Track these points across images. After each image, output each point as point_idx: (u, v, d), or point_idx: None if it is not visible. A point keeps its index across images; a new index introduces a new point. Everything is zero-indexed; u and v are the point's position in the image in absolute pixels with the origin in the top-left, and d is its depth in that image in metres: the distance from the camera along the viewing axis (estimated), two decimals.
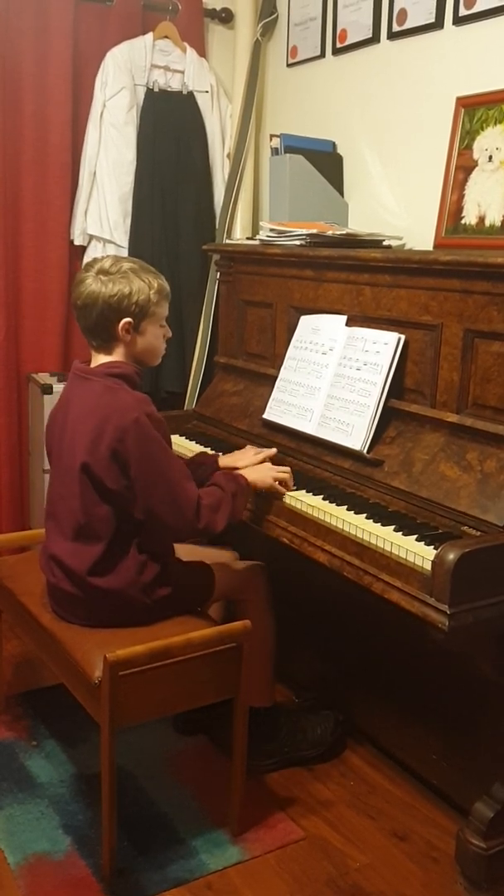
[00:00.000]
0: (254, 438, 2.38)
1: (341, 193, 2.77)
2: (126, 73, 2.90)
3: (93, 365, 1.89)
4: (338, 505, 1.90)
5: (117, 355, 1.88)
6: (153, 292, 1.85)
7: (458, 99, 2.24)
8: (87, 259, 2.98)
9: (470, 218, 2.18)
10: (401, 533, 1.73)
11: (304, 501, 1.94)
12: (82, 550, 1.84)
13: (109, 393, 1.80)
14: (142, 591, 1.85)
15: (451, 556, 1.51)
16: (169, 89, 3.00)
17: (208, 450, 2.35)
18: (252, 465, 2.08)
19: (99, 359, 1.89)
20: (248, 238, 2.97)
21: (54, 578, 1.91)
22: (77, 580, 1.85)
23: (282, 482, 2.01)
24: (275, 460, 2.13)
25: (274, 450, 2.17)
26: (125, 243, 2.97)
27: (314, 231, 2.35)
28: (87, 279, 1.84)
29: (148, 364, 1.95)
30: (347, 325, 2.19)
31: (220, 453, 2.22)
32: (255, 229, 3.06)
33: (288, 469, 2.06)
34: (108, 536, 1.82)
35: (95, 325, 1.85)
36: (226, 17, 3.15)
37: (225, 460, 2.14)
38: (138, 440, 1.76)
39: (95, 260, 1.90)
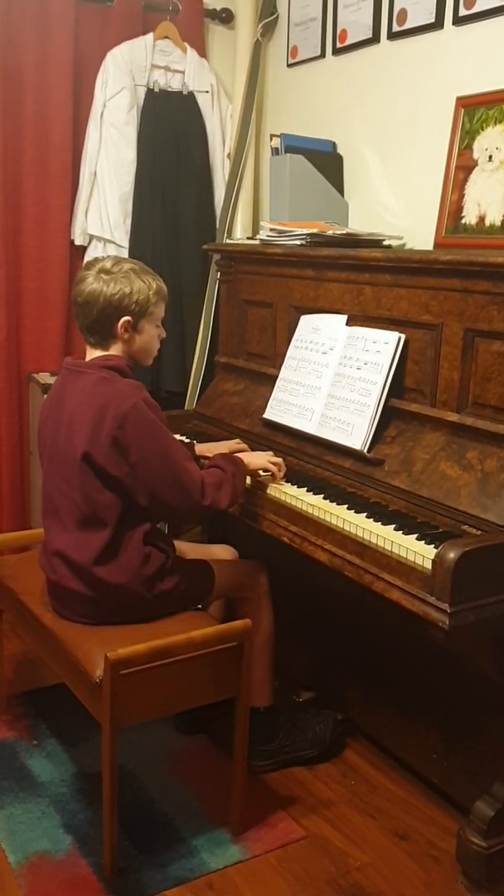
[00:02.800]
0: (254, 438, 2.38)
1: (341, 193, 2.77)
2: (126, 74, 2.90)
3: (87, 359, 1.92)
4: (338, 504, 1.90)
5: (114, 351, 1.91)
6: (152, 293, 1.90)
7: (458, 99, 2.24)
8: (87, 259, 2.99)
9: (470, 217, 2.18)
10: (401, 532, 1.73)
11: (305, 500, 1.94)
12: (87, 540, 1.85)
13: (104, 383, 1.83)
14: (144, 584, 1.86)
15: (452, 555, 1.51)
16: (169, 89, 3.00)
17: (193, 441, 2.37)
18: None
19: (94, 353, 1.92)
20: (248, 238, 2.97)
21: (55, 576, 1.91)
22: (80, 573, 1.86)
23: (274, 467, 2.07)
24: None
25: (244, 445, 2.24)
26: (126, 243, 2.97)
27: (314, 231, 2.35)
28: (88, 278, 1.87)
29: (141, 363, 1.99)
30: (348, 324, 2.19)
31: (195, 442, 2.32)
32: (256, 229, 3.06)
33: (280, 460, 2.11)
34: (113, 523, 1.84)
35: (95, 323, 1.88)
36: (226, 17, 3.15)
37: (201, 448, 2.23)
38: (138, 425, 1.78)
39: (97, 259, 1.93)
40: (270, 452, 2.15)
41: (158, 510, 1.88)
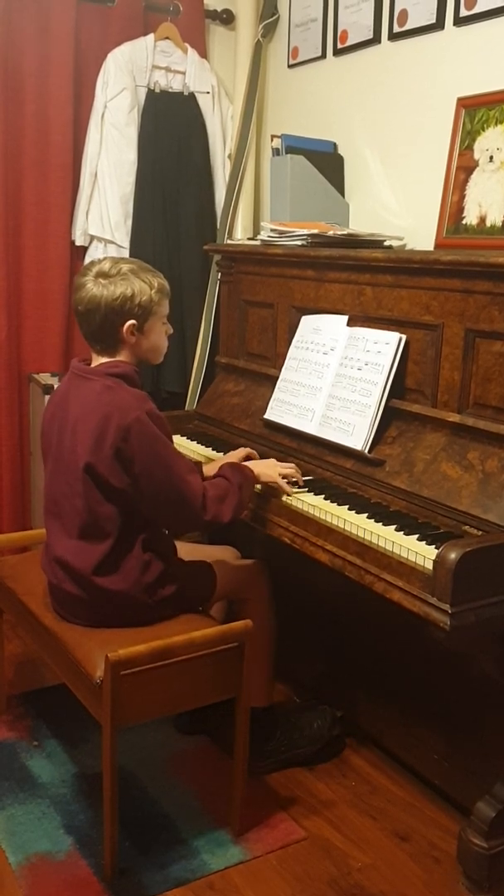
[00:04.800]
0: (255, 439, 2.38)
1: (342, 194, 2.77)
2: (127, 74, 2.90)
3: (93, 365, 1.90)
4: (339, 504, 1.90)
5: (121, 356, 1.88)
6: (154, 292, 1.86)
7: (459, 99, 2.25)
8: (88, 260, 2.99)
9: (471, 218, 2.18)
10: (402, 532, 1.73)
11: (306, 501, 1.94)
12: (87, 549, 1.84)
13: (109, 392, 1.80)
14: (145, 590, 1.85)
15: (453, 556, 1.51)
16: (170, 90, 3.01)
17: (210, 450, 2.36)
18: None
19: (101, 359, 1.89)
20: (249, 238, 2.97)
21: (56, 579, 1.91)
22: (81, 580, 1.85)
23: (287, 478, 2.02)
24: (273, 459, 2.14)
25: (254, 452, 2.19)
26: (126, 244, 2.97)
27: (315, 231, 2.35)
28: (87, 283, 1.83)
29: (152, 362, 1.97)
30: (349, 325, 2.19)
31: (202, 463, 2.19)
32: (257, 229, 3.06)
33: (293, 465, 2.07)
34: (115, 534, 1.82)
35: (99, 330, 1.84)
36: (227, 18, 3.15)
37: (208, 468, 2.08)
38: (141, 438, 1.76)
39: (94, 262, 1.89)
40: (292, 465, 2.06)
41: (161, 521, 1.87)
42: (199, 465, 2.16)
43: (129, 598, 1.85)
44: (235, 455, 2.16)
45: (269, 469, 2.02)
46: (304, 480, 2.06)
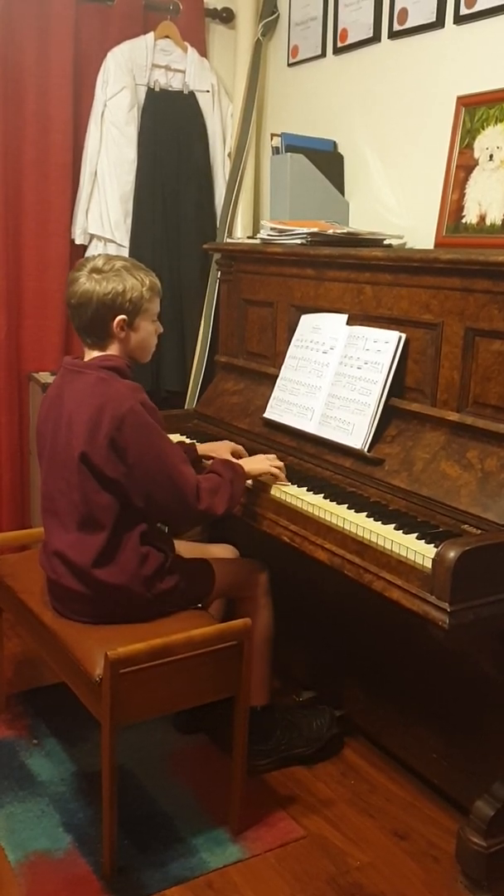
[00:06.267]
0: (255, 438, 2.38)
1: (342, 192, 2.77)
2: (127, 73, 2.90)
3: (85, 359, 1.91)
4: (338, 503, 1.90)
5: (111, 350, 1.91)
6: (146, 289, 1.89)
7: (459, 98, 2.24)
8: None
9: (471, 217, 2.18)
10: (401, 531, 1.73)
11: (305, 500, 1.94)
12: (85, 542, 1.85)
13: (103, 383, 1.82)
14: (143, 584, 1.86)
15: (452, 555, 1.51)
16: (170, 89, 3.01)
17: (194, 442, 2.37)
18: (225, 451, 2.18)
19: (92, 354, 1.92)
20: (248, 237, 2.97)
21: (55, 575, 1.91)
22: (79, 574, 1.86)
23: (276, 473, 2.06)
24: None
25: (241, 448, 2.23)
26: (126, 242, 2.98)
27: (315, 230, 2.35)
28: (80, 278, 1.87)
29: (140, 360, 1.98)
30: (348, 323, 2.19)
31: (196, 442, 2.30)
32: (256, 228, 3.06)
33: (281, 464, 2.10)
34: (110, 525, 1.83)
35: (90, 323, 1.88)
36: (227, 16, 3.15)
37: (203, 448, 2.21)
38: (135, 427, 1.78)
39: (87, 259, 1.92)
40: (273, 455, 2.13)
41: (154, 513, 1.88)
42: (192, 445, 2.20)
43: (128, 592, 1.85)
44: (223, 448, 2.19)
45: (258, 464, 2.06)
46: (303, 479, 2.07)
